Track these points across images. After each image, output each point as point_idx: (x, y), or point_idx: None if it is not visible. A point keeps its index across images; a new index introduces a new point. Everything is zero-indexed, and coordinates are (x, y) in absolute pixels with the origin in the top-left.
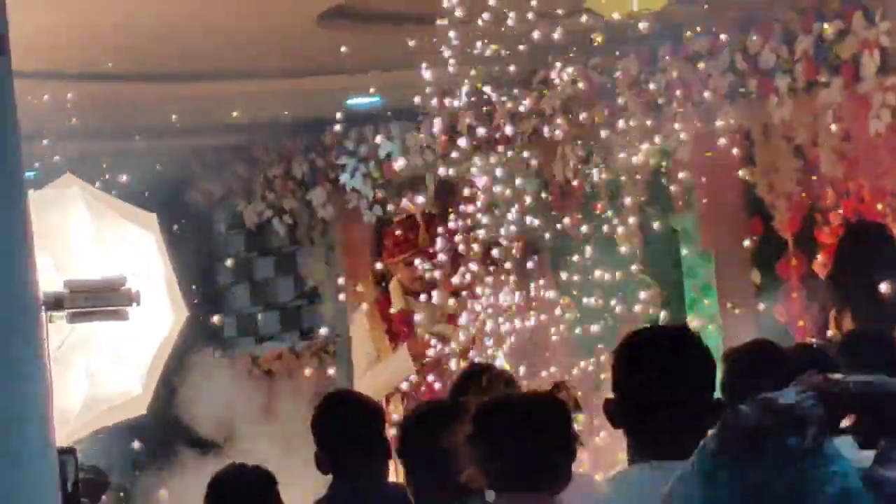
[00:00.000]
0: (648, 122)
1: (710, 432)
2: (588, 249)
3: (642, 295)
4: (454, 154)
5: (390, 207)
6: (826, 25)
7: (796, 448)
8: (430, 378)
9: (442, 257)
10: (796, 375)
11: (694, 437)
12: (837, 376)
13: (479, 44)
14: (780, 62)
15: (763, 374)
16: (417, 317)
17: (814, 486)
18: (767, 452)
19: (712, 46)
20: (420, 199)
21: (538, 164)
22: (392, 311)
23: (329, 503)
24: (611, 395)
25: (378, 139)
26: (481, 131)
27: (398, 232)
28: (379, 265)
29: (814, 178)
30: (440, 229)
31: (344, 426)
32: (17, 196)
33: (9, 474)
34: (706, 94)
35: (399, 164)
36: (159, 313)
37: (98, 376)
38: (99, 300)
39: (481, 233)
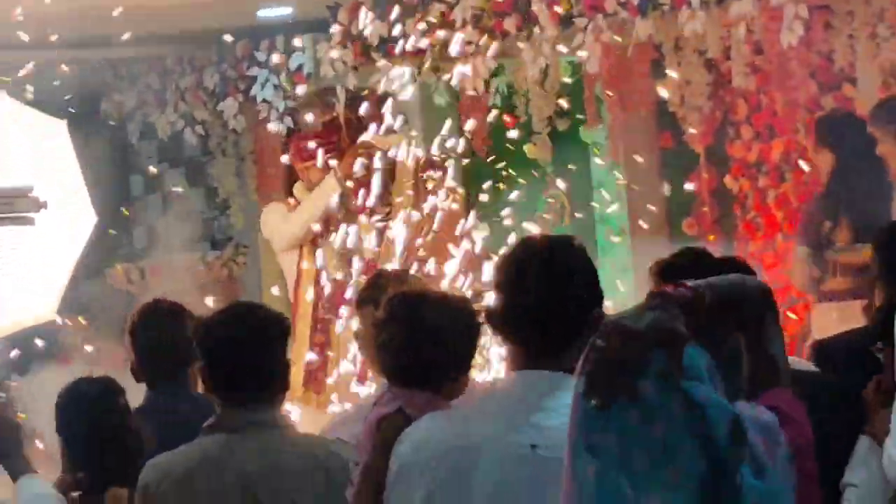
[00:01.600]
0: (560, 34)
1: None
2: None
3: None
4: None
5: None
6: None
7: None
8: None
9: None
10: None
11: (571, 347)
12: (694, 282)
13: None
14: None
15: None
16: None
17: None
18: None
19: None
20: (309, 117)
21: (448, 78)
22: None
23: (138, 413)
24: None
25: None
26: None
27: (322, 133)
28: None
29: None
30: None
31: (154, 336)
32: None
33: None
34: (617, 6)
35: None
36: (71, 221)
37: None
38: (6, 206)
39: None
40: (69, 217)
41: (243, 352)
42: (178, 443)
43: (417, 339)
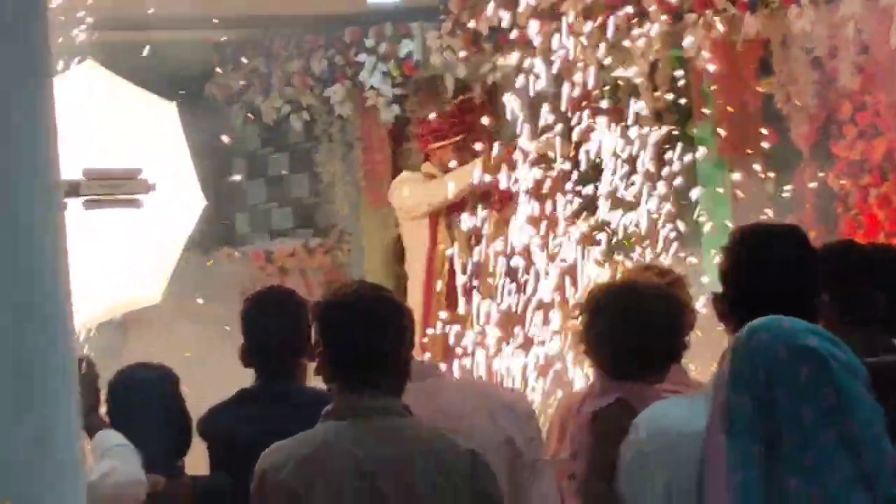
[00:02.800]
0: (669, 29)
1: None
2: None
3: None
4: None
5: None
6: None
7: None
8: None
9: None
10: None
11: None
12: None
13: None
14: None
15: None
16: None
17: None
18: None
19: None
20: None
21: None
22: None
23: (244, 397)
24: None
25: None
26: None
27: (456, 112)
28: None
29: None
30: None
31: (266, 323)
32: (44, 78)
33: (26, 356)
34: (727, 2)
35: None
36: (180, 204)
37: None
38: (115, 188)
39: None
40: (177, 200)
41: (367, 336)
42: (286, 431)
43: (634, 328)
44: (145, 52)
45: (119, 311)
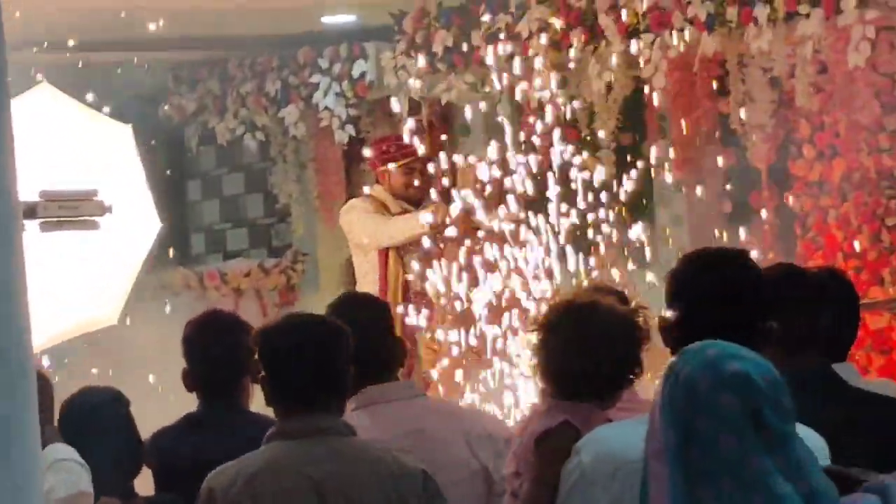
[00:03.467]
0: (626, 48)
1: None
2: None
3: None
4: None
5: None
6: None
7: None
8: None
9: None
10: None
11: None
12: None
13: None
14: None
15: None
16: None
17: None
18: None
19: None
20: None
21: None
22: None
23: (189, 422)
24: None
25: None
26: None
27: (401, 136)
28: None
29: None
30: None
31: (209, 347)
32: (0, 102)
33: None
34: (684, 21)
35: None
36: (136, 226)
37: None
38: (72, 210)
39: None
40: (133, 222)
41: (306, 360)
42: (230, 455)
43: (585, 349)
44: (100, 73)
45: (76, 332)
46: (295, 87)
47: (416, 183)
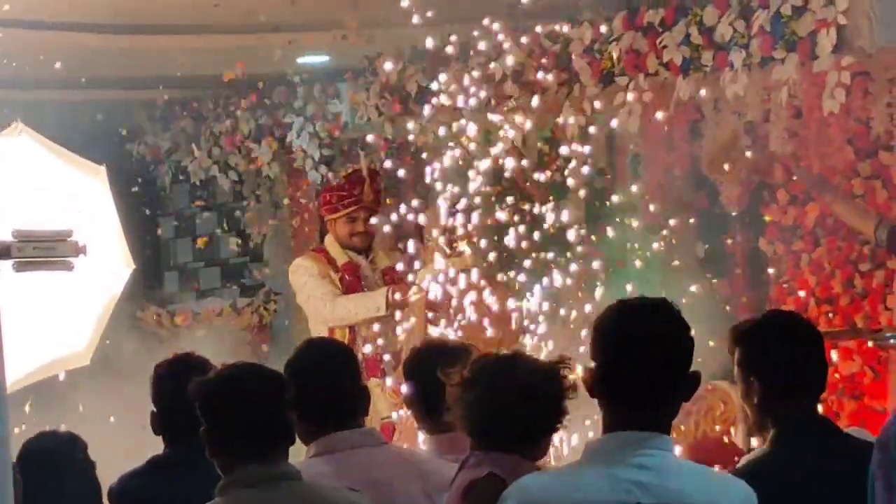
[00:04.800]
0: (600, 92)
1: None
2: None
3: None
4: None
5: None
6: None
7: None
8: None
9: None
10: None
11: (667, 407)
12: None
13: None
14: (736, 36)
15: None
16: (364, 270)
17: None
18: None
19: (667, 18)
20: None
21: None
22: (339, 263)
23: (154, 466)
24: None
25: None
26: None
27: (344, 186)
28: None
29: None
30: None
31: (177, 391)
32: None
33: None
34: (659, 66)
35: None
36: (109, 267)
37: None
38: (46, 250)
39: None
40: (106, 263)
41: (252, 410)
42: (194, 500)
43: (508, 399)
44: (74, 111)
45: (49, 372)
46: (269, 127)
47: (359, 231)
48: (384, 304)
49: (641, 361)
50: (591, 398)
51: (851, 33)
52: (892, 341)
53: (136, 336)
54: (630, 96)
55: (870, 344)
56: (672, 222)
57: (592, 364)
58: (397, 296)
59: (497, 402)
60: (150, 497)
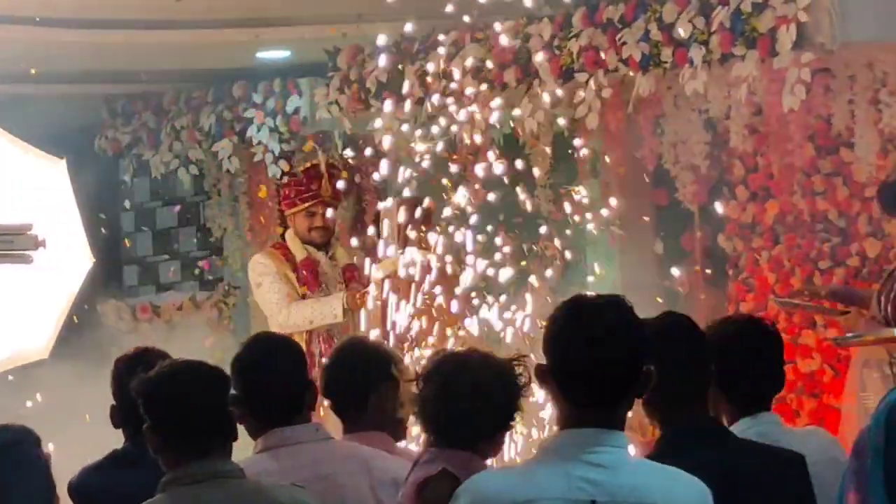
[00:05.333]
0: (559, 88)
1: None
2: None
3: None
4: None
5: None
6: None
7: None
8: None
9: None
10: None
11: (620, 403)
12: None
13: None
14: (696, 33)
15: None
16: (322, 266)
17: None
18: None
19: (627, 14)
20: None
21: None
22: (298, 258)
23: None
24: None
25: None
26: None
27: (302, 181)
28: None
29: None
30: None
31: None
32: None
33: None
34: (619, 62)
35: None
36: (68, 261)
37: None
38: (5, 244)
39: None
40: (66, 256)
41: (194, 407)
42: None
43: (460, 396)
44: (36, 105)
45: (7, 365)
46: (229, 122)
47: (318, 225)
48: (341, 311)
49: (594, 359)
50: (545, 393)
51: (812, 30)
52: (852, 339)
53: (95, 329)
54: (589, 93)
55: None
56: (631, 217)
57: (545, 360)
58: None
59: (449, 399)
60: (109, 490)
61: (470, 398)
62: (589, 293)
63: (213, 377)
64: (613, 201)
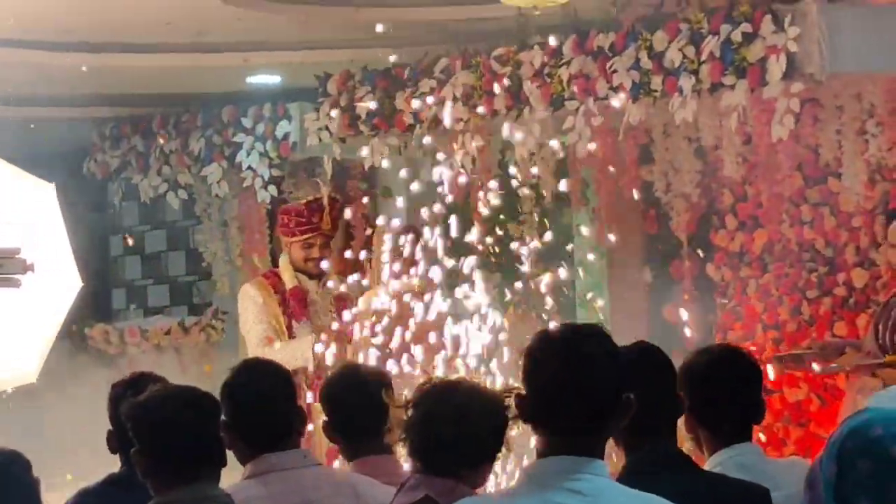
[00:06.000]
0: (550, 115)
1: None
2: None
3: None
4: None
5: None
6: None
7: None
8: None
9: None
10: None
11: (599, 432)
12: None
13: (379, 27)
14: (686, 62)
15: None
16: (312, 295)
17: None
18: None
19: (617, 43)
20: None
21: (436, 152)
22: (288, 286)
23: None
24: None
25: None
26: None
27: (304, 212)
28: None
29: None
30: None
31: None
32: None
33: None
34: (609, 90)
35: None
36: (57, 285)
37: None
38: None
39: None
40: (54, 280)
41: (185, 432)
42: None
43: (446, 422)
44: (25, 129)
45: None
46: (218, 146)
47: (314, 257)
48: (311, 355)
49: (572, 388)
50: (525, 423)
51: (801, 60)
52: (835, 368)
53: (83, 353)
54: (579, 120)
55: (816, 368)
56: (621, 245)
57: (524, 390)
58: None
59: (434, 426)
60: None
61: (453, 426)
62: (567, 322)
63: (203, 403)
64: (604, 229)
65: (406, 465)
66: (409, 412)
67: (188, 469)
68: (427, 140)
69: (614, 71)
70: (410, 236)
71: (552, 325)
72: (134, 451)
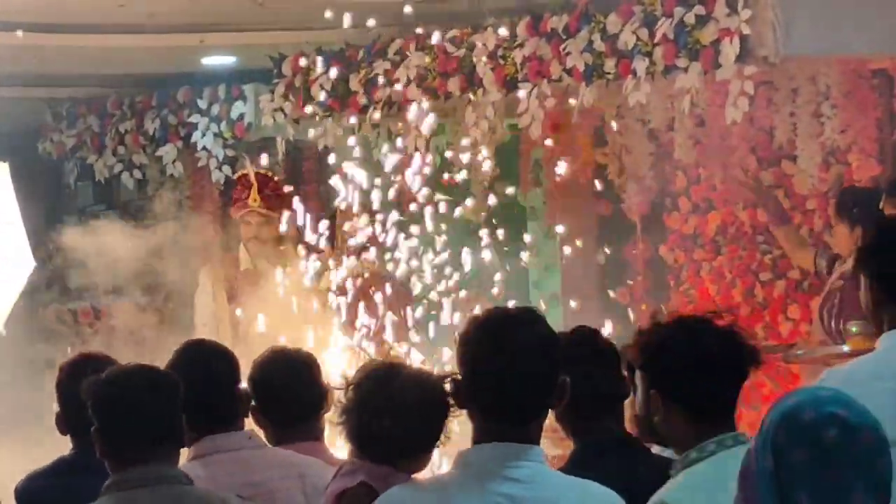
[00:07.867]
0: (503, 97)
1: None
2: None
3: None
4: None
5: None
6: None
7: None
8: None
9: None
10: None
11: (536, 417)
12: None
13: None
14: (640, 44)
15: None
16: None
17: None
18: None
19: (571, 25)
20: (264, 160)
21: (389, 132)
22: (241, 268)
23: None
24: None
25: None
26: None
27: (235, 189)
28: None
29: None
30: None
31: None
32: None
33: None
34: (562, 72)
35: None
36: (9, 264)
37: None
38: None
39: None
40: (7, 260)
41: (142, 411)
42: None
43: (383, 409)
44: None
45: None
46: (173, 127)
47: (251, 235)
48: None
49: (507, 372)
50: (460, 409)
51: (755, 43)
52: (799, 353)
53: (36, 333)
54: (532, 102)
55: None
56: (573, 228)
57: (458, 375)
58: None
59: (370, 413)
60: (55, 496)
61: (388, 419)
62: (502, 306)
63: (164, 382)
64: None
65: (332, 451)
66: (348, 394)
67: (145, 448)
68: (377, 116)
69: (568, 53)
70: (365, 217)
71: (478, 309)
72: (93, 430)
